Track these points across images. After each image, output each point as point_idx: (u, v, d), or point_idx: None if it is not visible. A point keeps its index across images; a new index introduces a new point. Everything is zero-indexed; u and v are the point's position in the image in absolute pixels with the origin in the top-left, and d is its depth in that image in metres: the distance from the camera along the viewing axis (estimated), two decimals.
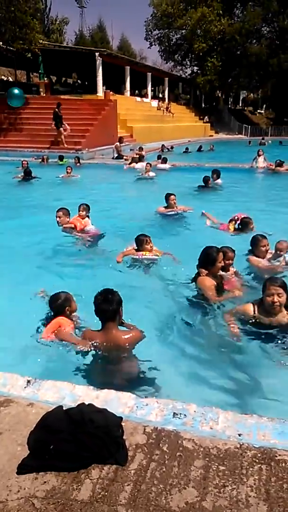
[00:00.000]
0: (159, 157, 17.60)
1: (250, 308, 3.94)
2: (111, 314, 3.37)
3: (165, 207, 8.68)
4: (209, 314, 4.54)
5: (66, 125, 19.81)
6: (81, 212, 7.43)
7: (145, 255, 5.80)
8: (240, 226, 6.92)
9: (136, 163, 16.08)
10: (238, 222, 6.95)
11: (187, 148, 24.84)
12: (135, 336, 3.44)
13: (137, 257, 5.79)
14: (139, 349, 3.51)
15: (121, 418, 2.18)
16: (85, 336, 3.51)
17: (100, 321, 3.43)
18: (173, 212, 8.65)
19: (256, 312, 3.90)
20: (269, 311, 3.80)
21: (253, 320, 3.91)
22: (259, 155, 16.34)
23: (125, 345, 3.39)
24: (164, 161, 16.41)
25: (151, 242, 5.84)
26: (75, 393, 2.76)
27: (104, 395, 2.75)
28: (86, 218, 7.43)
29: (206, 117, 42.20)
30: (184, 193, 10.81)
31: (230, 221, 7.09)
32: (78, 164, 16.41)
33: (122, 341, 3.39)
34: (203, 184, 11.92)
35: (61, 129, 19.53)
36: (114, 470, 1.95)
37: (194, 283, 4.73)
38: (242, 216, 6.91)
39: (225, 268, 4.90)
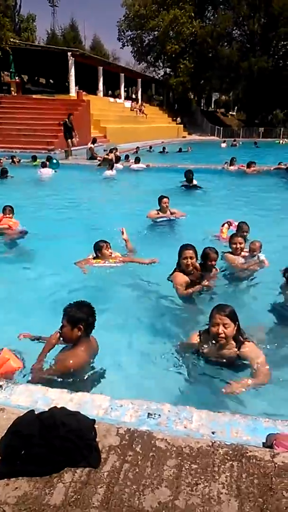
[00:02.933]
0: (126, 156, 17.62)
1: (195, 338, 3.55)
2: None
3: (157, 211, 8.21)
4: (183, 310, 4.64)
5: (77, 137, 19.07)
6: (7, 214, 7.54)
7: (96, 263, 5.66)
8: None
9: (109, 164, 16.04)
10: (233, 227, 6.74)
11: (164, 148, 25.05)
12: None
13: (90, 266, 5.64)
14: (112, 351, 3.51)
15: (94, 420, 2.17)
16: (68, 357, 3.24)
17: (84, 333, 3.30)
18: (165, 218, 8.18)
19: (201, 343, 3.49)
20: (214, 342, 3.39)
21: (198, 353, 3.50)
22: (231, 164, 16.49)
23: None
24: (137, 161, 16.43)
25: (110, 248, 5.73)
26: (48, 397, 2.73)
27: (78, 397, 2.74)
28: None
29: (179, 118, 42.51)
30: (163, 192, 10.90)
31: (223, 225, 6.96)
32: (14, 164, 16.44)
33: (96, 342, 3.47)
34: (186, 183, 12.08)
35: (69, 141, 18.70)
36: (87, 473, 1.94)
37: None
38: (239, 222, 6.59)
39: (208, 269, 5.04)
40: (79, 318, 3.25)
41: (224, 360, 3.39)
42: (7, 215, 7.56)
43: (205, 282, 4.83)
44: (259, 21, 42.97)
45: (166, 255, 5.48)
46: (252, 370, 3.27)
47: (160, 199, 8.20)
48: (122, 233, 6.31)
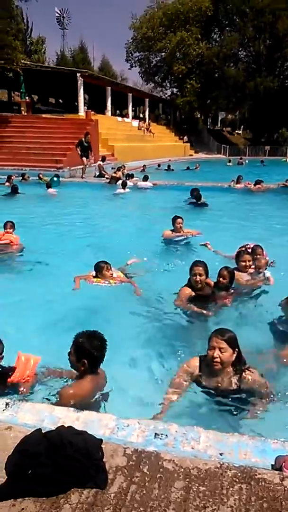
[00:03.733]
0: (131, 175, 17.76)
1: (195, 364, 3.38)
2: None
3: (172, 231, 8.14)
4: (191, 329, 4.65)
5: (93, 156, 19.15)
6: (8, 229, 7.60)
7: (96, 282, 5.63)
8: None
9: (116, 181, 16.20)
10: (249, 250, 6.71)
11: (169, 166, 25.35)
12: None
13: (89, 283, 5.61)
14: (117, 370, 3.48)
15: (101, 440, 2.15)
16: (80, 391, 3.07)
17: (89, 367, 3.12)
18: (180, 238, 8.11)
19: (200, 369, 3.34)
20: (211, 368, 3.24)
21: (196, 379, 3.36)
22: (237, 181, 16.62)
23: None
24: (145, 179, 16.58)
25: (111, 269, 5.71)
26: (54, 415, 2.72)
27: (85, 416, 2.72)
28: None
29: (186, 137, 42.99)
30: (172, 211, 10.99)
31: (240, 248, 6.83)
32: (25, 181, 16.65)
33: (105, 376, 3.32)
34: (194, 200, 12.17)
35: (84, 159, 18.51)
36: (94, 494, 1.92)
37: None
38: (253, 245, 6.56)
39: (220, 287, 5.12)
40: (86, 352, 3.05)
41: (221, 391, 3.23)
42: (8, 230, 7.59)
43: (195, 309, 4.90)
44: (264, 43, 43.74)
45: (179, 273, 5.51)
46: (256, 400, 3.17)
47: (174, 219, 8.11)
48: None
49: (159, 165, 25.94)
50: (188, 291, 4.95)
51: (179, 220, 8.07)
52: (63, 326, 4.44)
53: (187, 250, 7.78)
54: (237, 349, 3.23)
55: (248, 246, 6.63)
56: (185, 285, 5.04)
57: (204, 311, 4.85)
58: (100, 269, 5.65)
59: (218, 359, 3.16)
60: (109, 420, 2.68)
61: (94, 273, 5.74)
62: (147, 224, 10.33)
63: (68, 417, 2.70)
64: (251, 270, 5.69)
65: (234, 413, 3.14)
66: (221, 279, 5.10)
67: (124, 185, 14.95)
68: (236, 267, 5.59)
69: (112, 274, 5.71)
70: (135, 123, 35.67)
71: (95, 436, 2.18)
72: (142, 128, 35.04)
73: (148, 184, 16.30)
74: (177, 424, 2.67)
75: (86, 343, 3.08)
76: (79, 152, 18.44)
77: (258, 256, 5.95)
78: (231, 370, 3.24)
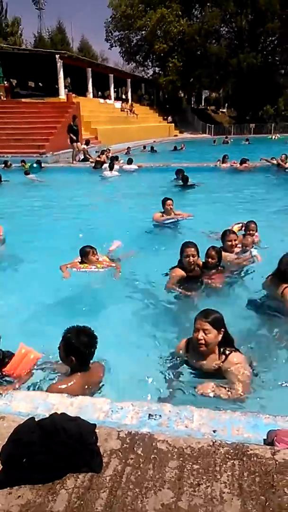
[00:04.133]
0: (116, 158, 17.52)
1: (183, 345, 3.48)
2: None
3: (162, 213, 8.05)
4: (180, 310, 4.68)
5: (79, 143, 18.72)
6: None
7: (83, 268, 5.54)
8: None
9: (101, 165, 16.01)
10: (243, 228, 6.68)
11: (152, 147, 25.13)
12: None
13: (76, 270, 5.53)
14: (109, 355, 3.50)
15: (94, 425, 2.16)
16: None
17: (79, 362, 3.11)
18: (171, 220, 8.03)
19: (187, 350, 3.44)
20: (197, 349, 3.28)
21: (184, 360, 3.46)
22: (223, 161, 16.56)
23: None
24: (130, 162, 16.42)
25: (96, 253, 5.63)
26: (48, 402, 2.73)
27: (79, 401, 2.73)
28: None
29: (170, 117, 42.55)
30: (159, 193, 10.90)
31: (235, 224, 6.85)
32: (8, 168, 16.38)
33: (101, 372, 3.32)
34: (181, 183, 12.13)
35: (74, 144, 18.19)
36: (89, 478, 1.94)
37: None
38: (247, 221, 6.59)
39: (209, 267, 5.14)
40: (74, 348, 3.02)
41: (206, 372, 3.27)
42: None
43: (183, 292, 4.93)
44: (247, 18, 43.04)
45: (169, 256, 5.50)
46: (231, 383, 3.11)
47: (164, 201, 8.01)
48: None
49: (144, 147, 25.70)
50: (180, 273, 4.95)
51: (169, 202, 7.96)
52: (54, 316, 4.44)
53: (177, 232, 7.75)
54: (222, 330, 3.25)
55: (242, 223, 6.68)
56: (176, 267, 5.03)
57: (195, 292, 4.87)
58: (86, 254, 5.57)
59: (202, 341, 3.19)
60: (103, 403, 2.70)
61: (79, 259, 5.66)
62: (135, 207, 10.28)
63: (62, 403, 2.71)
64: (238, 249, 5.72)
65: None
66: (209, 259, 5.11)
67: (111, 168, 14.79)
68: (222, 246, 5.60)
69: (98, 258, 5.64)
70: (118, 104, 35.15)
71: (89, 422, 2.19)
72: (125, 110, 34.55)
73: (133, 166, 16.16)
74: (170, 404, 2.70)
75: (74, 339, 3.03)
76: (72, 136, 18.05)
77: (250, 232, 6.02)
78: (217, 351, 3.26)
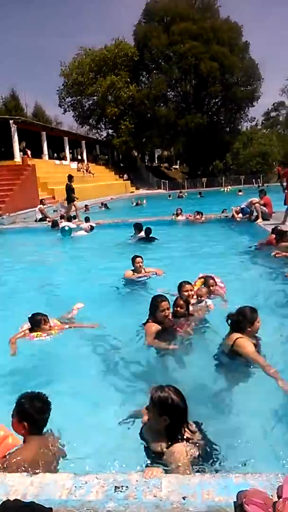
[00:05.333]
0: (74, 217, 17.74)
1: (144, 412, 3.15)
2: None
3: (133, 271, 7.80)
4: (148, 366, 4.60)
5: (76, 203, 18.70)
6: None
7: (37, 337, 5.13)
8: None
9: (57, 225, 16.11)
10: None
11: (105, 205, 25.55)
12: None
13: (29, 339, 5.13)
14: (70, 423, 3.32)
15: (50, 509, 2.00)
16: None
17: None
18: (143, 278, 7.75)
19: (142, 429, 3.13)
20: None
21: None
22: (177, 214, 17.15)
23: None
24: (87, 220, 16.61)
25: (48, 321, 5.29)
26: (6, 484, 2.52)
27: (39, 480, 2.54)
28: None
29: (125, 175, 44.10)
30: (122, 249, 11.02)
31: (197, 279, 6.76)
32: None
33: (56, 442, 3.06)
34: (143, 236, 12.31)
35: (72, 204, 18.21)
36: None
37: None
38: (205, 275, 6.58)
39: (179, 316, 5.16)
40: (26, 414, 2.87)
41: None
42: None
43: (171, 346, 4.80)
44: (190, 83, 46.64)
45: (138, 313, 5.44)
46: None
47: (134, 259, 7.80)
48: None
49: (102, 204, 26.23)
50: (155, 327, 4.90)
51: (138, 259, 7.78)
52: (11, 387, 4.16)
53: (146, 289, 7.49)
54: (165, 416, 2.78)
55: (205, 276, 6.75)
56: (149, 322, 5.00)
57: (173, 345, 4.81)
58: (37, 323, 5.19)
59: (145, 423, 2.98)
60: (66, 479, 2.53)
61: (28, 325, 5.28)
62: (99, 266, 10.10)
63: (21, 484, 2.51)
64: (193, 300, 5.79)
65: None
66: (178, 308, 5.16)
67: (54, 225, 15.09)
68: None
69: (50, 326, 5.28)
70: (74, 165, 36.14)
71: (44, 506, 2.02)
72: (81, 170, 35.52)
73: (91, 224, 16.32)
74: (137, 472, 2.57)
75: (27, 405, 2.90)
76: (73, 196, 18.18)
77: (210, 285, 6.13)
78: (164, 435, 2.83)
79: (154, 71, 47.09)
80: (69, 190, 18.13)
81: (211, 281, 6.34)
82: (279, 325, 5.31)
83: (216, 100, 48.82)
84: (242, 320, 4.19)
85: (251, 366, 4.04)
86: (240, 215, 15.24)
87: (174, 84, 47.21)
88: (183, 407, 2.80)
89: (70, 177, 18.57)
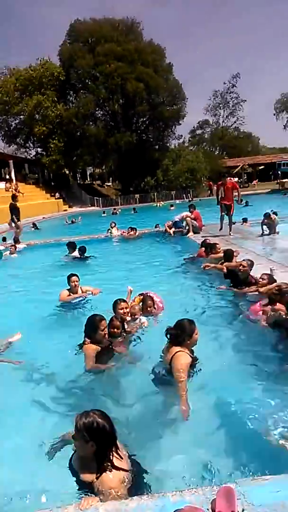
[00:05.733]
0: (3, 239, 17.13)
1: None
2: None
3: (68, 291, 7.58)
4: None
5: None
6: None
7: None
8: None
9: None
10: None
11: (34, 224, 24.98)
12: None
13: None
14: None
15: None
16: None
17: None
18: (80, 298, 7.57)
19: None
20: None
21: None
22: (112, 227, 17.26)
23: None
24: (17, 242, 16.03)
25: None
26: None
27: None
28: None
29: (57, 193, 43.57)
30: (56, 269, 10.76)
31: (134, 297, 6.74)
32: None
33: None
34: (77, 255, 12.16)
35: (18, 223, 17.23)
36: None
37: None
38: (144, 295, 6.54)
39: (116, 336, 5.12)
40: None
41: None
42: None
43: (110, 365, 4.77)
44: (118, 102, 47.40)
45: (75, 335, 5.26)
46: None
47: (69, 278, 7.59)
48: None
49: (34, 224, 25.53)
50: (95, 347, 4.81)
51: (73, 278, 7.56)
52: None
53: (83, 309, 7.29)
54: (93, 442, 2.66)
55: (143, 294, 6.69)
56: (87, 343, 4.86)
57: (112, 362, 4.78)
58: None
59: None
60: None
61: None
62: (31, 288, 9.66)
63: None
64: (128, 318, 5.79)
65: None
66: (115, 329, 5.13)
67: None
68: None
69: None
70: (1, 185, 35.10)
71: None
72: (10, 190, 34.49)
73: (22, 245, 15.83)
74: (72, 505, 2.44)
75: None
76: (15, 217, 17.42)
77: (132, 305, 6.13)
78: (93, 464, 2.68)
79: (81, 91, 47.37)
80: (13, 210, 17.53)
81: (149, 301, 6.32)
82: (212, 338, 5.43)
83: (144, 119, 50.10)
84: (181, 334, 4.21)
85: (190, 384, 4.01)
86: (173, 229, 15.63)
87: (102, 103, 47.74)
88: (109, 431, 2.71)
89: (14, 197, 18.21)
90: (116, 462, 2.67)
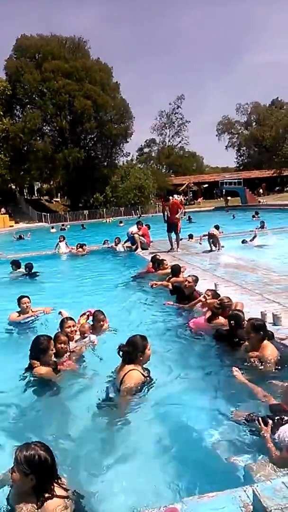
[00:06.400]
0: None
1: None
2: None
3: (18, 313, 7.31)
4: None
5: None
6: None
7: None
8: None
9: None
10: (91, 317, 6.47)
11: None
12: None
13: None
14: None
15: None
16: None
17: None
18: (30, 318, 7.30)
19: None
20: None
21: None
22: (60, 241, 17.08)
23: None
24: None
25: None
26: None
27: None
28: None
29: (3, 208, 42.40)
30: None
31: (81, 315, 6.59)
32: None
33: None
34: (24, 272, 11.88)
35: None
36: None
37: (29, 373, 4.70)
38: (94, 310, 6.45)
39: (59, 353, 5.01)
40: None
41: None
42: None
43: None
44: (66, 118, 47.33)
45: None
46: None
47: (19, 300, 7.33)
48: None
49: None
50: (47, 369, 4.67)
51: (24, 299, 7.31)
52: None
53: (34, 330, 6.97)
54: (32, 475, 2.49)
55: (89, 312, 6.58)
56: (37, 366, 4.66)
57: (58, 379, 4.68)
58: None
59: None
60: None
61: None
62: None
63: None
64: (77, 336, 5.72)
65: None
66: (62, 345, 5.07)
67: None
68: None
69: None
70: None
71: None
72: None
73: None
74: None
75: None
76: None
77: (82, 323, 6.04)
78: (33, 496, 2.53)
79: (28, 106, 46.95)
80: None
81: (101, 316, 6.23)
82: (158, 354, 5.44)
83: (92, 135, 50.37)
84: (133, 351, 4.20)
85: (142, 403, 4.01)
86: (120, 245, 15.71)
87: (49, 119, 47.45)
88: (51, 463, 2.57)
89: None
90: (58, 491, 2.55)
